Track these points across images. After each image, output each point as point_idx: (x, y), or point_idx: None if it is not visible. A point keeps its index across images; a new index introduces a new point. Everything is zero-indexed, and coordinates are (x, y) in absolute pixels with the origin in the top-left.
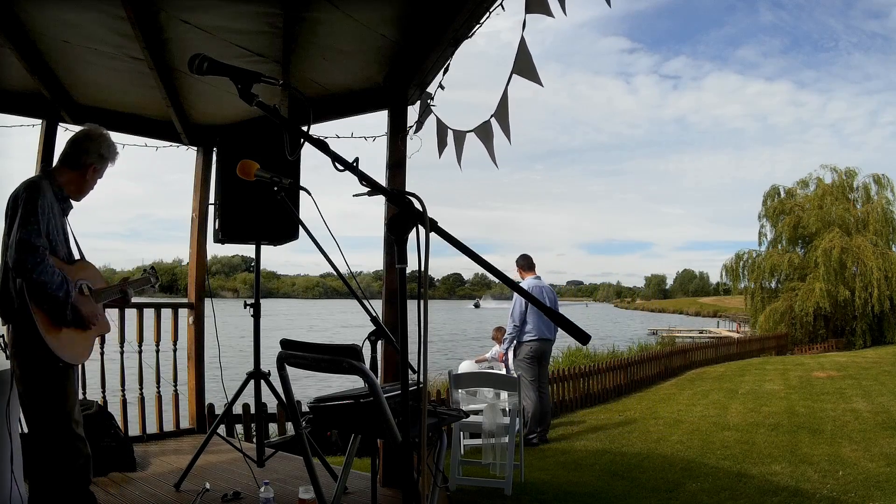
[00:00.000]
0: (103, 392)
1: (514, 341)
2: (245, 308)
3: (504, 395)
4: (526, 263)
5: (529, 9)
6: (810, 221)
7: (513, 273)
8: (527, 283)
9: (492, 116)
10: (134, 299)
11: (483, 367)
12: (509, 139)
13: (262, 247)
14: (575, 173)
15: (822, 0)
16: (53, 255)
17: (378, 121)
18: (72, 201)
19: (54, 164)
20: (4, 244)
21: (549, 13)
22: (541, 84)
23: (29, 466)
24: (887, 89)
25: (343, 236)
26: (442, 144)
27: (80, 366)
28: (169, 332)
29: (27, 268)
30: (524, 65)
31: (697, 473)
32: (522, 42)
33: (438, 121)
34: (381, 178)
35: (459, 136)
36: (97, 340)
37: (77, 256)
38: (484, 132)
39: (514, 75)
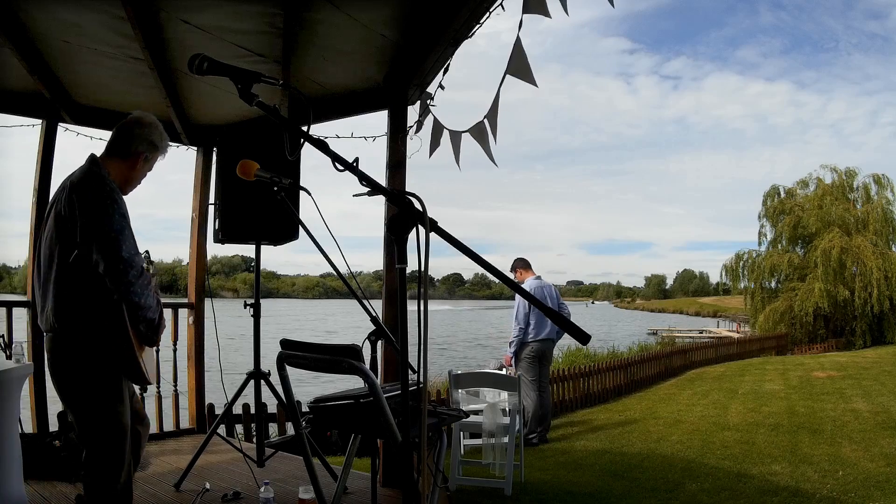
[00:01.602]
0: None
1: (520, 344)
2: (245, 308)
3: (504, 394)
4: (524, 265)
5: (527, 9)
6: (810, 221)
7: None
8: (528, 283)
9: (485, 117)
10: None
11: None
12: (495, 139)
13: (262, 247)
14: (575, 173)
15: (822, 0)
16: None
17: (378, 121)
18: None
19: (100, 153)
20: (56, 247)
21: (547, 14)
22: (535, 84)
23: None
24: (887, 89)
25: (343, 236)
26: (434, 144)
27: None
28: (169, 332)
29: (129, 289)
30: (519, 65)
31: (697, 473)
32: (518, 42)
33: (435, 121)
34: (381, 178)
35: (455, 137)
36: None
37: None
38: (479, 132)
39: (508, 76)
